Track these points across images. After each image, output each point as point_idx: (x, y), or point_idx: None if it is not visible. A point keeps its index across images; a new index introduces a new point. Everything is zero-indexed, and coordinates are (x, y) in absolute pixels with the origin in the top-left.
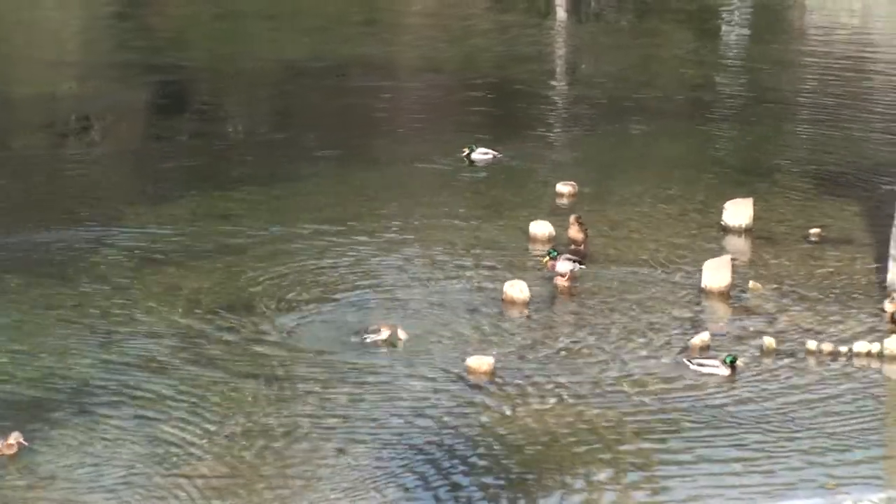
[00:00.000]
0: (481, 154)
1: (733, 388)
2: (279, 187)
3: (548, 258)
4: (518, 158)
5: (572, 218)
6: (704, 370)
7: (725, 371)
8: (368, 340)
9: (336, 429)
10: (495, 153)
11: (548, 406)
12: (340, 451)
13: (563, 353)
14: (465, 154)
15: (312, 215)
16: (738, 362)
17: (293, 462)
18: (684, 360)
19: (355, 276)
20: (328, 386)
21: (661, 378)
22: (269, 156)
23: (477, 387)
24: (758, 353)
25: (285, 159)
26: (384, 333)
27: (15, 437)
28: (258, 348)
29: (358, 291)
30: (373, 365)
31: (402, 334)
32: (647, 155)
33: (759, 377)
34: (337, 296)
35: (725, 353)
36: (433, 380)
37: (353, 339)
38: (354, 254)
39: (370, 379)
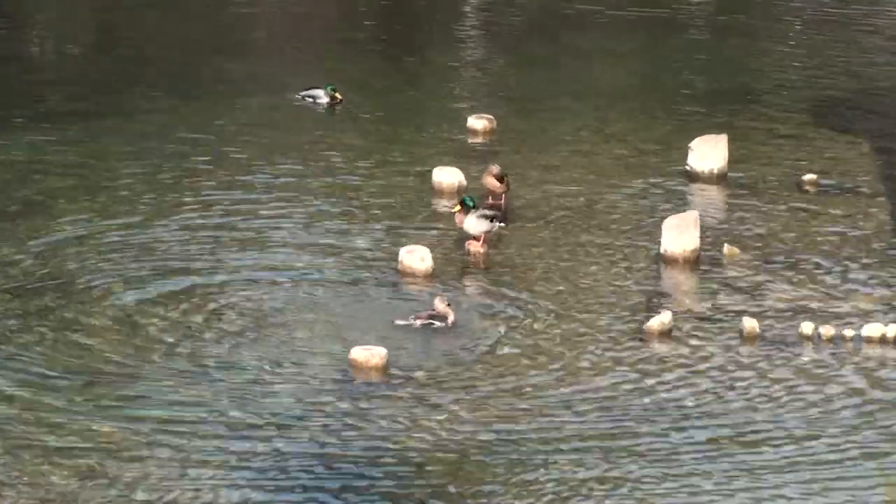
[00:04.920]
0: (480, 217)
1: (699, 387)
2: (101, 124)
3: (458, 208)
4: (417, 86)
5: (494, 167)
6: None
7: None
8: (419, 324)
9: (184, 438)
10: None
11: (453, 411)
12: (185, 468)
13: (475, 342)
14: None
15: (145, 162)
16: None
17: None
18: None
19: (203, 241)
20: (178, 385)
21: (601, 375)
22: (87, 83)
23: (363, 387)
24: (735, 341)
25: (110, 88)
26: (441, 311)
27: None
28: (84, 340)
29: (206, 262)
30: (230, 360)
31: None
32: (586, 80)
33: (737, 372)
34: (177, 267)
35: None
36: (305, 379)
37: (199, 322)
38: (202, 213)
39: (221, 376)
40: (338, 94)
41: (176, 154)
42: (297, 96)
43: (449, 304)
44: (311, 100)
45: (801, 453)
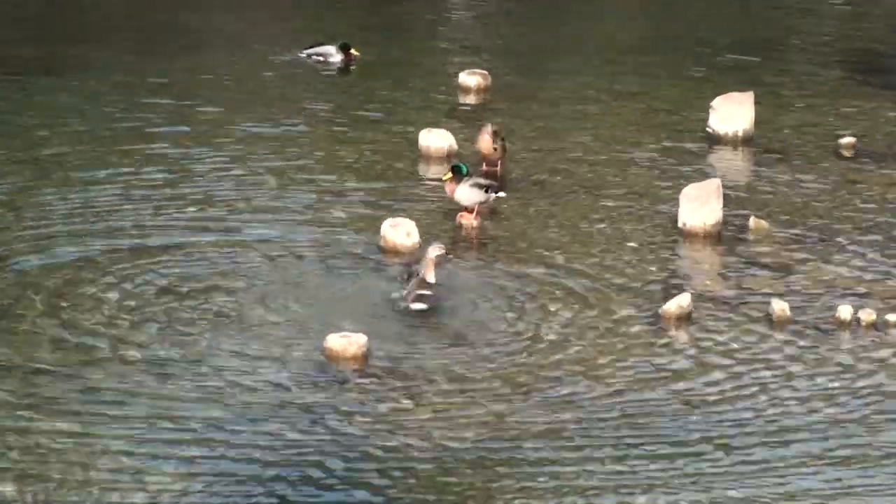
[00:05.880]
0: (473, 186)
1: (721, 379)
2: (49, 80)
3: (449, 176)
4: (401, 38)
5: (488, 125)
6: None
7: None
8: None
9: (135, 439)
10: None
11: (442, 407)
12: (137, 471)
13: (467, 328)
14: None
15: (93, 122)
16: None
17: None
18: None
19: (157, 210)
20: (128, 377)
21: (610, 366)
22: (38, 36)
23: (340, 379)
24: (763, 327)
25: (62, 41)
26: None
27: None
28: (15, 325)
29: (159, 234)
30: (186, 348)
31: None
32: (593, 31)
33: (765, 362)
34: (124, 239)
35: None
36: (271, 371)
37: (149, 303)
38: (156, 177)
39: (176, 367)
40: (354, 51)
41: (131, 112)
42: (301, 55)
43: (448, 253)
44: (320, 58)
45: (831, 451)
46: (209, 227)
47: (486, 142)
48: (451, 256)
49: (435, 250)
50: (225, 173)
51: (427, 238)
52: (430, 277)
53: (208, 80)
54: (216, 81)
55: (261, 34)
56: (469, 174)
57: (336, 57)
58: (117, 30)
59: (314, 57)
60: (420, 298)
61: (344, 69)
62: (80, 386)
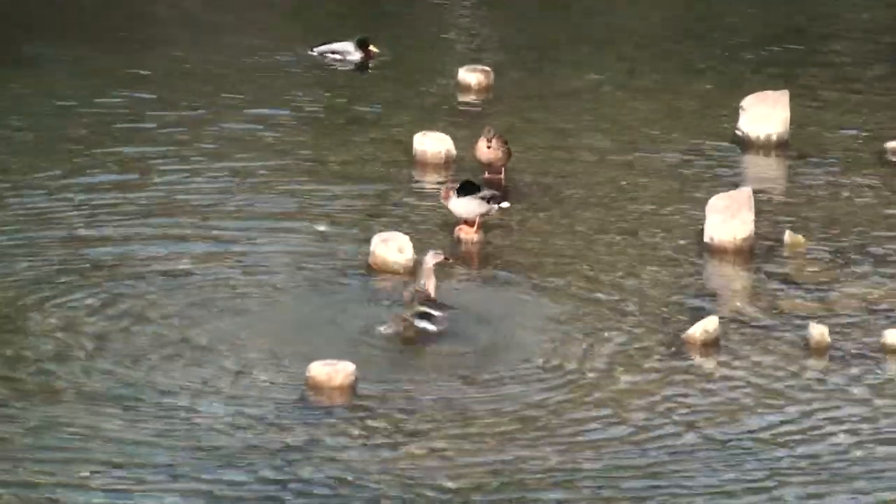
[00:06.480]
0: (474, 197)
1: (753, 413)
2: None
3: (447, 186)
4: (396, 31)
5: (486, 129)
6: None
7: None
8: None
9: (92, 478)
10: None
11: (438, 445)
12: None
13: (466, 355)
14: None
15: (45, 119)
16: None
17: None
18: None
19: (118, 220)
20: (86, 411)
21: (627, 398)
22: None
23: (324, 411)
24: (800, 354)
25: (9, 33)
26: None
27: None
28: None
29: (121, 248)
30: (152, 378)
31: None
32: (609, 23)
33: (802, 394)
34: (84, 251)
35: None
36: (249, 403)
37: (110, 325)
38: (117, 182)
39: (140, 399)
40: (373, 47)
41: (85, 109)
42: (312, 52)
43: (448, 259)
44: (337, 56)
45: (878, 494)
46: (175, 240)
47: (480, 146)
48: (451, 261)
49: (433, 257)
50: (194, 179)
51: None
52: (432, 289)
53: (178, 74)
54: (188, 74)
55: (243, 26)
56: (466, 189)
57: (354, 55)
58: (84, 22)
59: (329, 55)
60: (428, 318)
61: (362, 67)
62: (30, 424)
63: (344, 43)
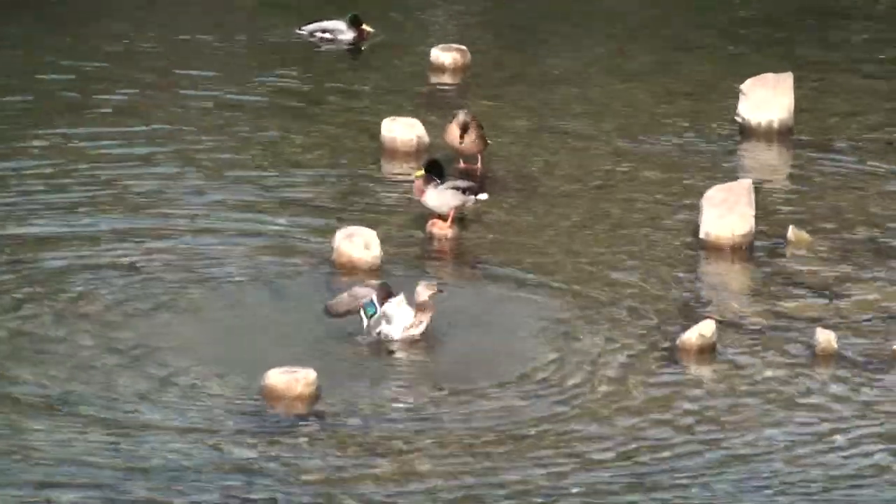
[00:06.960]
0: (448, 187)
1: (753, 425)
2: None
3: (421, 173)
4: (362, 6)
5: (460, 114)
6: None
7: None
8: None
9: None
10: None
11: (408, 460)
12: None
13: (439, 363)
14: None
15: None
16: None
17: None
18: None
19: (61, 211)
20: (21, 420)
21: (616, 409)
22: None
23: (282, 424)
24: (804, 362)
25: None
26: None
27: None
28: None
29: (64, 240)
30: (93, 386)
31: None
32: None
33: (806, 407)
34: (19, 248)
35: None
36: (201, 414)
37: (49, 328)
38: (61, 171)
39: (80, 409)
40: (367, 27)
41: (31, 91)
42: (300, 32)
43: (440, 290)
44: (327, 36)
45: None
46: (118, 233)
47: (451, 132)
48: (444, 293)
49: (426, 288)
50: (142, 168)
51: (394, 256)
52: (421, 327)
53: (130, 52)
54: (142, 53)
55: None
56: (440, 178)
57: (347, 34)
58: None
59: (318, 34)
60: (390, 322)
61: (355, 49)
62: None
63: (335, 21)
